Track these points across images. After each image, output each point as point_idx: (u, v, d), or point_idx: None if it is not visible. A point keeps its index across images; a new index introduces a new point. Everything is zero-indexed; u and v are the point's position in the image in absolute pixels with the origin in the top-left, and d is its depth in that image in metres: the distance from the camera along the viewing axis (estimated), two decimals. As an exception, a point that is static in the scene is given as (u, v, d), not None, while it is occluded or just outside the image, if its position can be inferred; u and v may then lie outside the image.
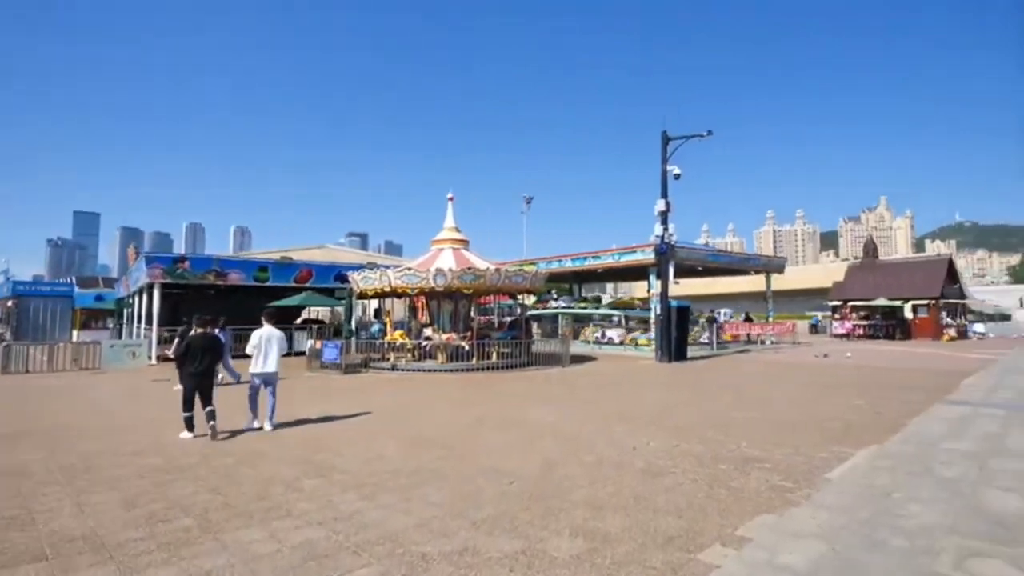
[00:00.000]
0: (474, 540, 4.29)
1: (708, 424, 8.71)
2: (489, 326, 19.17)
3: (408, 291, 16.31)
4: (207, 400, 7.92)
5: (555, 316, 27.46)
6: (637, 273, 25.79)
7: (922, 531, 4.34)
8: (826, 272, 75.60)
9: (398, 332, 17.02)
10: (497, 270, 16.75)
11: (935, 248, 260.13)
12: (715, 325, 25.11)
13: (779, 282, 33.90)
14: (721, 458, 6.67)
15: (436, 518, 4.75)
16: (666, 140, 20.24)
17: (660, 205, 19.80)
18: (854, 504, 5.00)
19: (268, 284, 21.90)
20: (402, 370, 15.97)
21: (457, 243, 18.65)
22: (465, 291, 16.41)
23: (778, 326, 28.62)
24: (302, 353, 17.60)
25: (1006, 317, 68.85)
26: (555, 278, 35.02)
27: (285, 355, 8.88)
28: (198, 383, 7.94)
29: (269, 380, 8.43)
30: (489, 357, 16.84)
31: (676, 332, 19.47)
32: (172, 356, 10.80)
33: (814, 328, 39.38)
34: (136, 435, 8.10)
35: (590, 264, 25.10)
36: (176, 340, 10.73)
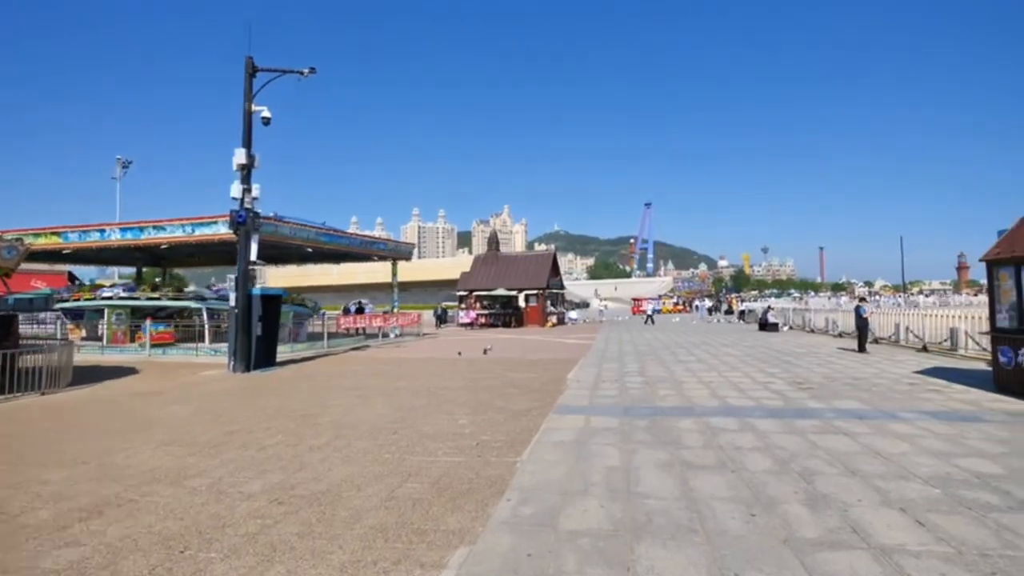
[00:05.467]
0: None
1: (188, 538, 4.04)
2: None
3: None
4: None
5: (102, 311, 19.10)
6: (222, 253, 19.67)
7: None
8: (457, 264, 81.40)
9: None
10: None
11: (541, 249, 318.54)
12: (324, 318, 20.88)
13: (415, 272, 32.32)
14: None
15: None
16: (252, 70, 14.93)
17: (239, 157, 14.35)
18: None
19: None
20: None
21: None
22: None
23: (402, 317, 26.32)
24: None
25: (586, 304, 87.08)
26: (97, 256, 25.60)
27: None
28: None
29: None
30: None
31: (262, 330, 14.44)
32: None
33: (440, 319, 39.06)
34: None
35: (150, 237, 17.65)
36: None
